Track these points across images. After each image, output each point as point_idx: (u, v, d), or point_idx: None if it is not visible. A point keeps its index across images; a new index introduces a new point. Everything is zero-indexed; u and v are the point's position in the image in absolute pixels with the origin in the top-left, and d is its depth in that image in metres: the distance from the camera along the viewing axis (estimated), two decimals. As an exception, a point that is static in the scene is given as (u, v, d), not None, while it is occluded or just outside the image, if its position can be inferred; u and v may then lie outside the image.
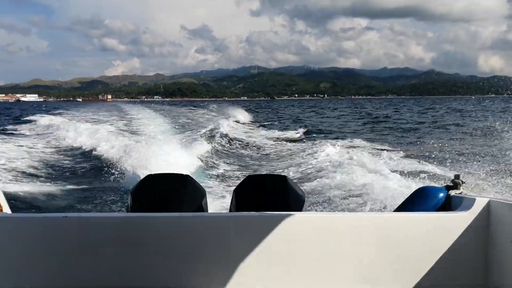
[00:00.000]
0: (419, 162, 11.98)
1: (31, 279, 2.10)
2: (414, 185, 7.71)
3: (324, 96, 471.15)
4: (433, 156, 12.93)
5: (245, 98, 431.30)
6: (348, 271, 2.24)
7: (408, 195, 2.73)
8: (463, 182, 2.60)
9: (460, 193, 2.55)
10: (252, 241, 2.16)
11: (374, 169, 10.19)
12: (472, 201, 2.37)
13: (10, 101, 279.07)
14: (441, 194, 2.57)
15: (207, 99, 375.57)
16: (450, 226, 2.31)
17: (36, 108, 75.86)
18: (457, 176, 2.61)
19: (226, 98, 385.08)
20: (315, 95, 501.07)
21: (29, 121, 33.08)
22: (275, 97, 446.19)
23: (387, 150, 14.58)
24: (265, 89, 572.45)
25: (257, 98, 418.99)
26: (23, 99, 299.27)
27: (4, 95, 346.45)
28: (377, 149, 15.42)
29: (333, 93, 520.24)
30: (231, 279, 2.15)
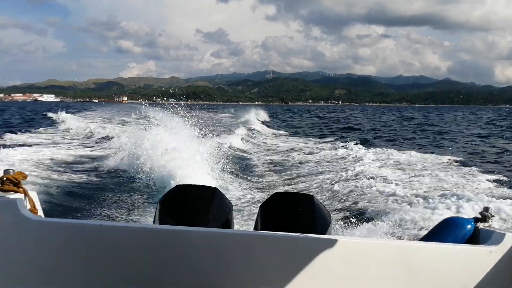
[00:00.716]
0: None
1: (62, 285, 2.11)
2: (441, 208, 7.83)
3: (338, 103, 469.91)
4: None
5: (260, 102, 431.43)
6: None
7: (435, 224, 2.68)
8: (492, 215, 2.52)
9: (489, 226, 2.48)
10: (278, 262, 2.16)
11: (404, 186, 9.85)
12: (501, 236, 2.29)
13: (27, 100, 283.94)
14: (469, 226, 2.50)
15: (221, 103, 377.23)
16: (478, 260, 2.25)
17: (55, 107, 76.49)
18: (486, 209, 2.54)
19: (241, 103, 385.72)
20: (329, 101, 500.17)
21: (55, 122, 33.28)
22: (289, 102, 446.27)
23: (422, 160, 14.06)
24: (279, 94, 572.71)
25: (272, 103, 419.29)
26: (40, 99, 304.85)
27: (21, 94, 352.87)
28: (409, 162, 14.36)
29: (347, 100, 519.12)
30: None
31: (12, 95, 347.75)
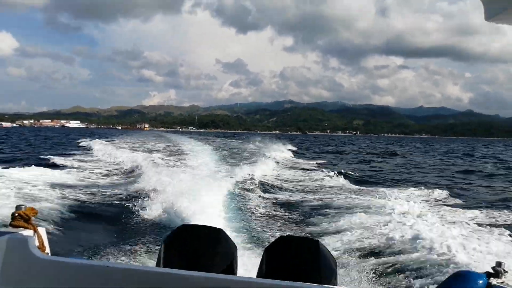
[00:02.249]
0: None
1: None
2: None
3: (356, 133, 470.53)
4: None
5: (277, 131, 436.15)
6: None
7: (445, 278, 2.61)
8: (505, 271, 2.44)
9: (502, 282, 2.39)
10: None
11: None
12: None
13: (55, 126, 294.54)
14: (481, 282, 2.40)
15: (239, 131, 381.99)
16: None
17: (87, 132, 79.69)
18: (498, 264, 2.47)
19: (258, 131, 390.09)
20: (347, 131, 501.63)
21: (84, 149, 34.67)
22: (307, 132, 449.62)
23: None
24: (297, 124, 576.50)
25: (289, 132, 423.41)
26: (67, 125, 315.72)
27: (50, 120, 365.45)
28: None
29: (365, 131, 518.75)
30: None
31: (41, 121, 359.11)
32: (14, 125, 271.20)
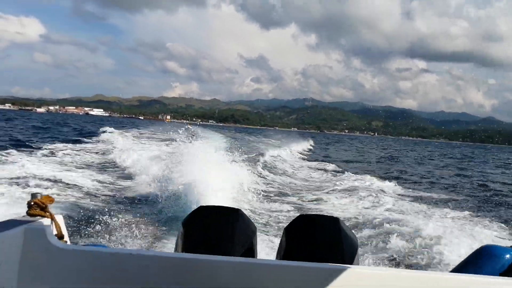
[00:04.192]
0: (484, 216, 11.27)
1: None
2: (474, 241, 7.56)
3: (374, 134, 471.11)
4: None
5: (296, 129, 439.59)
6: None
7: (470, 253, 2.51)
8: None
9: None
10: None
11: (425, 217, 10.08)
12: None
13: (80, 113, 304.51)
14: (508, 256, 2.32)
15: (258, 127, 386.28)
16: None
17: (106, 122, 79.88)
18: None
19: (277, 128, 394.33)
20: (365, 132, 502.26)
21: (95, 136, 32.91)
22: (325, 131, 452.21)
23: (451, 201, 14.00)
24: (316, 122, 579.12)
25: (307, 131, 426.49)
26: (91, 113, 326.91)
27: (74, 107, 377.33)
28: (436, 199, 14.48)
29: (384, 132, 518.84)
30: None
31: (66, 107, 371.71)
32: (45, 111, 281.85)
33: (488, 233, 8.90)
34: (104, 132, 35.69)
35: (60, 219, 2.45)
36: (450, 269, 2.71)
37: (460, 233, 8.32)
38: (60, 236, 2.32)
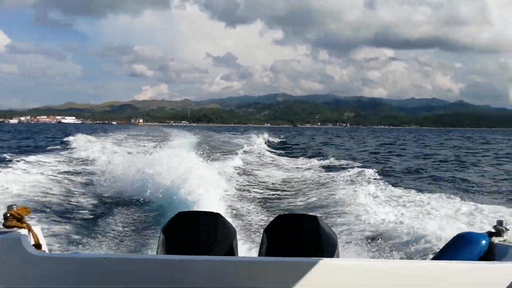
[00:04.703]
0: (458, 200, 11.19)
1: None
2: (450, 227, 7.57)
3: (346, 125, 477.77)
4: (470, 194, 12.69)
5: (269, 124, 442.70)
6: None
7: (448, 240, 2.62)
8: (506, 229, 2.45)
9: (504, 240, 2.42)
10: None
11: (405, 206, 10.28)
12: None
13: (52, 122, 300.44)
14: (483, 242, 2.43)
15: (231, 125, 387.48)
16: (495, 277, 2.15)
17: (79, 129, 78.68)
18: (500, 222, 2.50)
19: (251, 125, 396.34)
20: (338, 123, 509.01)
21: (67, 143, 32.93)
22: (298, 125, 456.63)
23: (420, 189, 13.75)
24: (289, 117, 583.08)
25: (280, 125, 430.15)
26: (63, 121, 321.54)
27: (46, 117, 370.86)
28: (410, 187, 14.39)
29: (355, 123, 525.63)
30: None
31: (37, 117, 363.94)
32: (17, 121, 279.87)
33: (463, 219, 8.88)
34: (73, 139, 35.18)
35: (37, 229, 2.48)
36: (430, 258, 2.83)
37: (435, 220, 8.40)
38: (38, 246, 2.33)
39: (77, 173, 17.06)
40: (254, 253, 5.28)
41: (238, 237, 2.83)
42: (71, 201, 11.67)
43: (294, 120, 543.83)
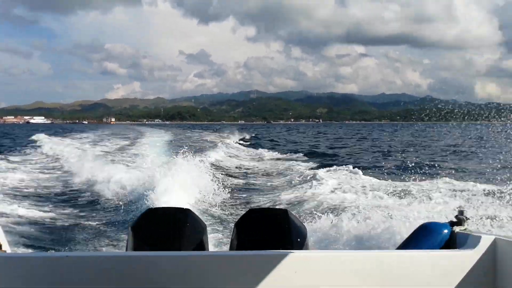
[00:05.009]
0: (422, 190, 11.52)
1: None
2: (413, 217, 7.57)
3: (319, 121, 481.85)
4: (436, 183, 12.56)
5: (243, 122, 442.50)
6: None
7: (412, 231, 2.71)
8: (467, 218, 2.55)
9: (465, 229, 2.50)
10: (255, 281, 2.11)
11: (374, 198, 10.33)
12: (477, 239, 2.31)
13: (20, 122, 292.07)
14: (445, 231, 2.52)
15: (205, 122, 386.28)
16: (455, 264, 2.25)
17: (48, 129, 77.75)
18: (461, 212, 2.58)
19: (224, 122, 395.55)
20: (310, 119, 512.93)
21: (36, 146, 31.79)
22: (272, 121, 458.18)
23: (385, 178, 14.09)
24: (262, 114, 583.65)
25: (254, 122, 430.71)
26: (31, 121, 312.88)
27: (13, 117, 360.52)
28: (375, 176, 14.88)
29: (328, 118, 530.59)
30: None
31: (4, 118, 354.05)
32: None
33: (425, 208, 8.84)
34: (38, 140, 35.02)
35: None
36: (395, 248, 2.93)
37: (398, 211, 8.41)
38: None
39: (43, 173, 17.08)
40: (225, 248, 5.35)
41: (208, 232, 2.85)
42: (36, 201, 11.59)
43: (268, 116, 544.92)
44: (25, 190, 13.26)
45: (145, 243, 2.50)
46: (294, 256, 2.16)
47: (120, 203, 10.88)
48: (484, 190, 10.82)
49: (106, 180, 13.14)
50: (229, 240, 2.91)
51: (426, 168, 16.78)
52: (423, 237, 2.56)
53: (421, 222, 2.82)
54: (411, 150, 28.99)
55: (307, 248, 2.61)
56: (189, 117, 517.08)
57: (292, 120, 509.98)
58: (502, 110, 11.87)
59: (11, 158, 22.35)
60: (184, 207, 2.86)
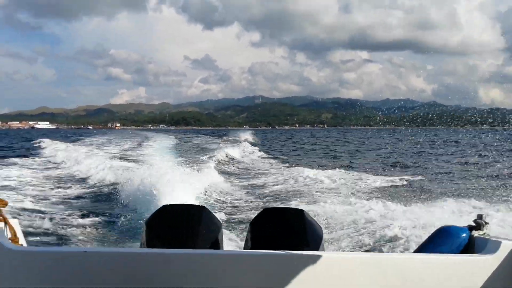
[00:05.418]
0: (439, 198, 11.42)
1: None
2: (431, 222, 7.55)
3: (324, 126, 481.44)
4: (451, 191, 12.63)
5: (247, 127, 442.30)
6: None
7: (429, 234, 2.68)
8: (486, 223, 2.51)
9: (483, 234, 2.46)
10: (269, 280, 2.09)
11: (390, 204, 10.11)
12: (497, 244, 2.26)
13: (25, 127, 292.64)
14: (464, 235, 2.48)
15: (210, 128, 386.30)
16: (475, 269, 2.20)
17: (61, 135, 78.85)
18: (480, 216, 2.54)
19: (229, 127, 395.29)
20: (315, 125, 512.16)
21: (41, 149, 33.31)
22: (276, 127, 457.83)
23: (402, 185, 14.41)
24: (267, 119, 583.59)
25: (259, 127, 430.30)
26: (36, 126, 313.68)
27: (18, 122, 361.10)
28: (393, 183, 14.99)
29: (333, 124, 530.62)
30: None
31: (9, 123, 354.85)
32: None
33: (440, 212, 9.03)
34: (43, 143, 36.79)
35: (14, 222, 2.43)
36: (412, 251, 2.89)
37: (418, 215, 8.58)
38: (15, 240, 2.27)
39: (59, 172, 17.94)
40: (240, 247, 5.23)
41: (223, 230, 2.84)
42: (51, 197, 12.00)
43: (272, 122, 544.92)
44: (42, 188, 13.74)
45: (159, 240, 2.48)
46: (310, 257, 2.14)
47: (136, 200, 11.06)
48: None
49: (123, 178, 13.50)
50: (244, 239, 2.86)
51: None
52: (441, 240, 2.52)
53: (439, 225, 2.78)
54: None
55: (322, 249, 2.57)
56: (194, 123, 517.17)
57: (297, 125, 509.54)
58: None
59: (27, 160, 23.49)
60: (200, 205, 2.83)
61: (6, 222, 2.29)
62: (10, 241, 2.16)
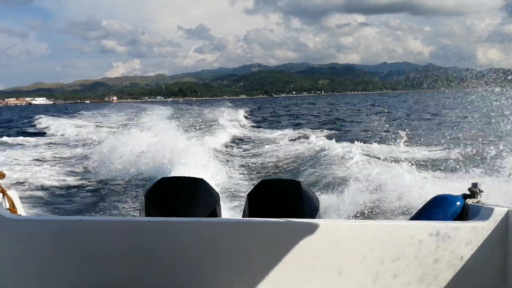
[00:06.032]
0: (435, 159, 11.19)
1: (43, 283, 2.07)
2: (428, 186, 7.56)
3: (321, 93, 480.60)
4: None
5: (244, 96, 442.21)
6: (364, 281, 2.18)
7: (424, 202, 2.69)
8: (481, 191, 2.53)
9: (478, 202, 2.49)
10: (267, 248, 2.13)
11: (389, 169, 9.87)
12: (490, 211, 2.30)
13: (22, 104, 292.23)
14: (458, 203, 2.51)
15: (207, 98, 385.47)
16: (467, 236, 2.24)
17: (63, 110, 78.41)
18: (474, 185, 2.56)
19: (226, 97, 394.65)
20: (312, 91, 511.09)
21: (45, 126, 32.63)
22: (273, 95, 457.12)
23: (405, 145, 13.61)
24: (264, 87, 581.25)
25: (256, 96, 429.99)
26: (33, 102, 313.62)
27: (15, 99, 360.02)
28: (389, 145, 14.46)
29: (330, 90, 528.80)
30: (244, 286, 2.11)
31: (6, 100, 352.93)
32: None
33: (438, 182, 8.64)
34: (43, 120, 36.59)
35: (12, 193, 2.48)
36: (408, 218, 2.93)
37: (413, 182, 8.32)
38: (13, 210, 2.32)
39: (59, 149, 17.73)
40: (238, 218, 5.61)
41: (221, 203, 2.90)
42: (52, 169, 12.24)
43: (270, 90, 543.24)
44: (42, 160, 14.26)
45: (158, 211, 2.53)
46: (306, 225, 2.18)
47: (135, 172, 11.22)
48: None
49: (122, 150, 13.38)
50: (241, 211, 2.98)
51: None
52: (436, 209, 2.58)
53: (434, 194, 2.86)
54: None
55: (319, 218, 2.64)
56: (190, 93, 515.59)
57: (294, 93, 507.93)
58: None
59: (27, 137, 23.52)
60: (198, 177, 2.91)
61: (4, 193, 2.35)
62: (8, 211, 2.22)
